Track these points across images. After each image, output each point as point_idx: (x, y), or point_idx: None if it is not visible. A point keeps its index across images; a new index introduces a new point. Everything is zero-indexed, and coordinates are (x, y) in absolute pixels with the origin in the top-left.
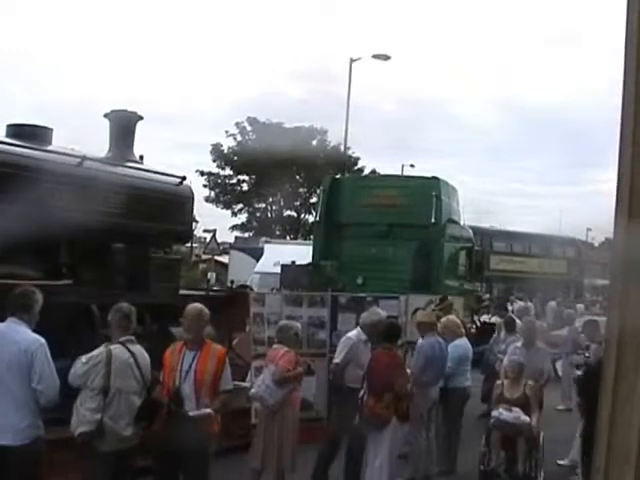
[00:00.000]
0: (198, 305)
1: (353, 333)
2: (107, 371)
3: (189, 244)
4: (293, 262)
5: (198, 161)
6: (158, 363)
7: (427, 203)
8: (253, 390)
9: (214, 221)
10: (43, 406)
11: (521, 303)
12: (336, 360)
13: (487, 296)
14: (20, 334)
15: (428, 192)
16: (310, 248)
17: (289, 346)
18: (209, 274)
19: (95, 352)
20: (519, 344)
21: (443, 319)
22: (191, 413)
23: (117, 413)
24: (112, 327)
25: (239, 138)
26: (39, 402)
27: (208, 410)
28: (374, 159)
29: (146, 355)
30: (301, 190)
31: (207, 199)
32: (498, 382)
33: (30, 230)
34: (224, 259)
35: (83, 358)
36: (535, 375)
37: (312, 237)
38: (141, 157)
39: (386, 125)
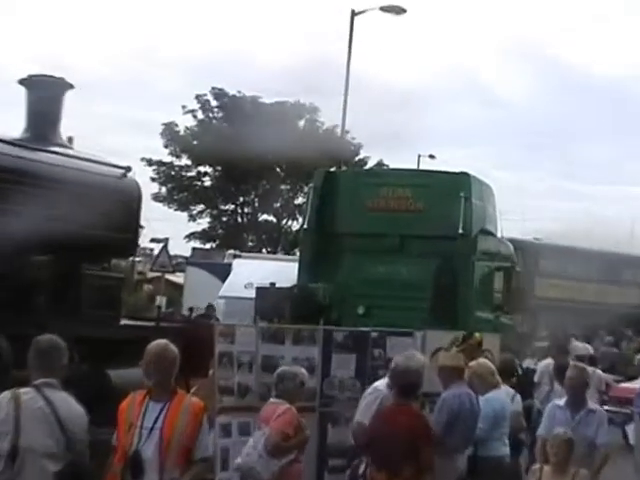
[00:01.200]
0: (163, 342)
1: (381, 383)
2: (15, 426)
3: (132, 258)
4: (272, 284)
5: (145, 146)
6: (93, 417)
7: (453, 207)
8: (239, 460)
9: (165, 227)
10: None
11: (578, 344)
12: (358, 418)
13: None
14: None
15: (454, 192)
16: (295, 265)
17: (291, 401)
18: (158, 298)
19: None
20: (561, 402)
21: (472, 363)
22: None
23: None
24: (30, 367)
25: (200, 116)
26: None
27: None
28: (381, 147)
29: (73, 405)
30: (283, 187)
31: (156, 197)
32: (534, 467)
33: None
34: (178, 278)
35: None
36: (585, 453)
37: (298, 251)
38: (70, 139)
39: (398, 101)
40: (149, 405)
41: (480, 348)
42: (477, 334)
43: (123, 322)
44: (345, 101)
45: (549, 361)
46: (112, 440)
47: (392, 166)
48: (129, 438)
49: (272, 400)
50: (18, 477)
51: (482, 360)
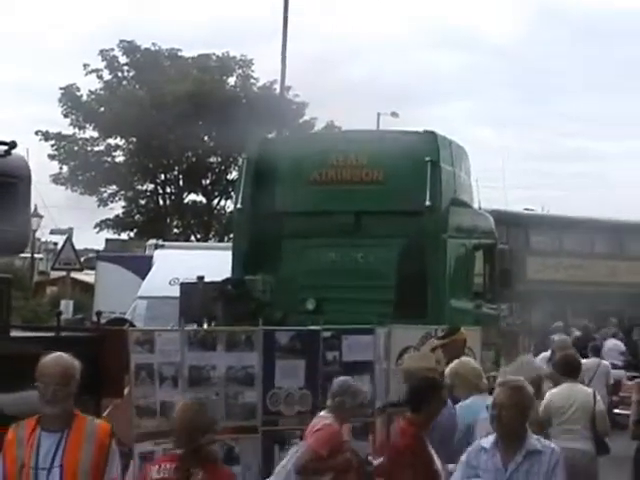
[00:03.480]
0: (62, 356)
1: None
2: None
3: (27, 254)
4: (200, 278)
5: (38, 116)
6: None
7: (417, 175)
8: None
9: (69, 216)
10: None
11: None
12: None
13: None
14: None
15: (419, 157)
16: (228, 254)
17: (342, 419)
18: (63, 302)
19: None
20: (486, 443)
21: (454, 364)
22: None
23: None
24: None
25: (107, 76)
26: None
27: None
28: (331, 105)
29: None
30: (212, 160)
31: (56, 179)
32: None
33: None
34: (88, 277)
35: None
36: None
37: (231, 237)
38: None
39: (351, 49)
40: (42, 437)
41: (464, 346)
42: (462, 329)
43: (13, 334)
44: (284, 51)
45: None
46: None
47: (345, 128)
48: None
49: (321, 413)
50: None
51: (465, 359)
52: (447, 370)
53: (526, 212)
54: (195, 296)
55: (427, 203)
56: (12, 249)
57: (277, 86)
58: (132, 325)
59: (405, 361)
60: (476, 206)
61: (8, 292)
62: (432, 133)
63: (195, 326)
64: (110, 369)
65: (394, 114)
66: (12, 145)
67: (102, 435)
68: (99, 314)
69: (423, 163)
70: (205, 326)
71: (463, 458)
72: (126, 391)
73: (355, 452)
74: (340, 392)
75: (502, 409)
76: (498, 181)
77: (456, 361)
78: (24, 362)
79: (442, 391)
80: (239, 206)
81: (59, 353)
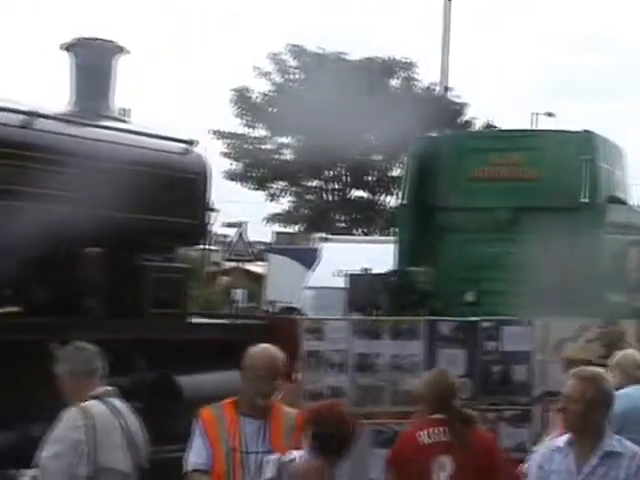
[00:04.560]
0: (271, 348)
1: None
2: (94, 446)
3: (203, 246)
4: (366, 270)
5: (213, 116)
6: (157, 431)
7: (574, 173)
8: None
9: (241, 210)
10: None
11: None
12: None
13: None
14: None
15: (576, 155)
16: (391, 247)
17: None
18: (235, 292)
19: (67, 419)
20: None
21: (619, 356)
22: None
23: None
24: (73, 378)
25: (277, 79)
26: None
27: None
28: (490, 106)
29: (134, 416)
30: (376, 158)
31: (229, 175)
32: None
33: None
34: (258, 268)
35: (56, 433)
36: None
37: (395, 231)
38: (125, 111)
39: (508, 51)
40: (245, 423)
41: (621, 339)
42: (619, 322)
43: (192, 320)
44: (445, 54)
45: None
46: (186, 462)
47: (503, 127)
48: (234, 467)
49: None
50: None
51: (631, 351)
52: (610, 361)
53: None
54: (361, 287)
55: (583, 200)
56: (191, 241)
57: (438, 87)
58: (301, 314)
59: (566, 351)
60: (632, 203)
61: (187, 281)
62: (589, 132)
63: (361, 315)
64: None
65: (550, 114)
66: (192, 143)
67: (300, 424)
68: (272, 303)
69: (580, 161)
70: (371, 315)
71: (536, 459)
72: (297, 376)
73: None
74: None
75: (569, 402)
76: None
77: (620, 352)
78: (203, 348)
79: None
80: (403, 201)
81: (267, 345)
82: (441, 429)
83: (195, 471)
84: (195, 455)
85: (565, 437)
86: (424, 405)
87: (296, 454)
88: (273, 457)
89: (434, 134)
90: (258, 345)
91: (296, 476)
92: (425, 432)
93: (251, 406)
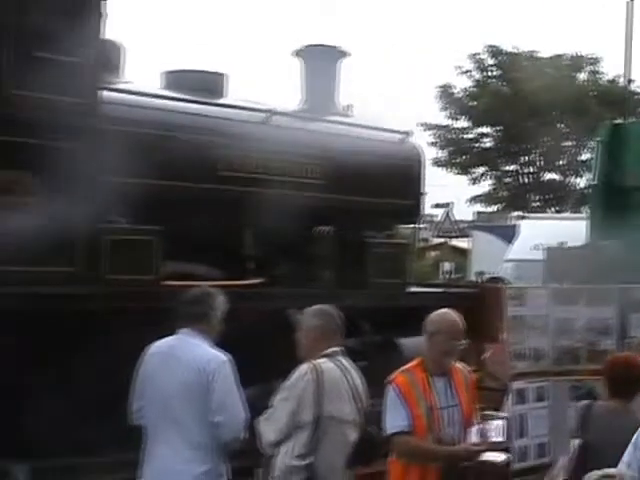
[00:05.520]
0: (452, 313)
1: None
2: (319, 396)
3: (415, 225)
4: (562, 244)
5: (419, 110)
6: (378, 386)
7: None
8: None
9: (446, 192)
10: (225, 445)
11: None
12: None
13: None
14: (195, 350)
15: None
16: (583, 224)
17: None
18: (444, 264)
19: (300, 372)
20: None
21: None
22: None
23: (329, 453)
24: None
25: (477, 76)
26: (220, 440)
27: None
28: None
29: (358, 372)
30: (567, 144)
31: (436, 162)
32: None
33: (204, 215)
34: (462, 243)
35: (288, 382)
36: None
37: (585, 209)
38: (348, 107)
39: None
40: (434, 381)
41: None
42: None
43: (410, 289)
44: (629, 48)
45: None
46: (386, 426)
47: None
48: (433, 422)
49: None
50: (320, 444)
51: None
52: None
53: None
54: (559, 259)
55: None
56: (407, 220)
57: (622, 79)
58: (505, 283)
59: None
60: None
61: (405, 255)
62: None
63: (558, 284)
64: (489, 319)
65: None
66: (408, 134)
67: (472, 379)
68: (480, 274)
69: None
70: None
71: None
72: (502, 337)
73: None
74: None
75: None
76: None
77: None
78: (418, 313)
79: None
80: (594, 182)
81: (447, 310)
82: None
83: (397, 433)
84: (395, 418)
85: None
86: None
87: (494, 423)
88: (475, 427)
89: (620, 122)
90: (440, 310)
91: (600, 416)
92: None
93: (438, 365)
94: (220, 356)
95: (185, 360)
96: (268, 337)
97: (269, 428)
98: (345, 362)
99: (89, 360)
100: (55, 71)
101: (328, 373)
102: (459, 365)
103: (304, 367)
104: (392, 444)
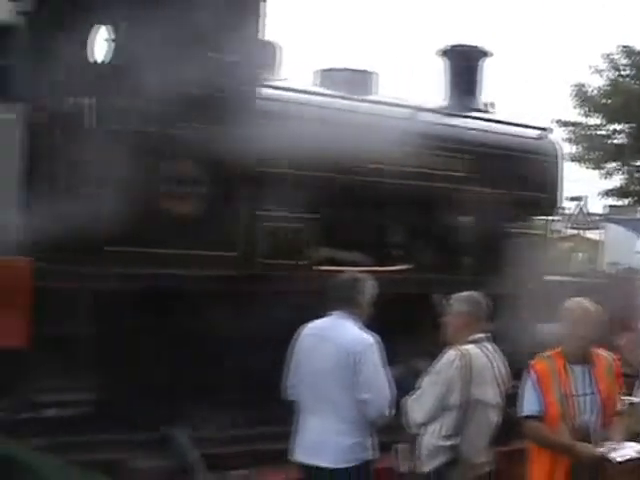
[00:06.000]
0: (586, 302)
1: None
2: (467, 382)
3: (551, 217)
4: None
5: (552, 107)
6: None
7: None
8: None
9: (579, 186)
10: (371, 421)
11: None
12: None
13: None
14: (345, 332)
15: None
16: None
17: None
18: (578, 255)
19: (448, 358)
20: None
21: None
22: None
23: (473, 435)
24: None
25: (610, 75)
26: (367, 415)
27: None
28: None
29: (502, 357)
30: None
31: (570, 157)
32: None
33: (355, 205)
34: (594, 235)
35: (437, 367)
36: None
37: None
38: (490, 104)
39: None
40: (573, 369)
41: None
42: None
43: (546, 278)
44: None
45: None
46: (521, 409)
47: None
48: (568, 409)
49: None
50: (466, 427)
51: None
52: None
53: None
54: None
55: None
56: (544, 212)
57: None
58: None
59: None
60: None
61: (541, 245)
62: None
63: None
64: (623, 309)
65: None
66: (547, 130)
67: (617, 367)
68: (614, 265)
69: None
70: None
71: None
72: (637, 325)
73: None
74: None
75: None
76: None
77: None
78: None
79: None
80: None
81: (581, 299)
82: None
83: (529, 417)
84: (529, 403)
85: None
86: None
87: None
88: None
89: None
90: (576, 298)
91: None
92: None
93: (576, 353)
94: (368, 338)
95: (335, 341)
96: (413, 321)
97: (417, 409)
98: (490, 347)
99: (247, 338)
100: (219, 70)
101: (476, 360)
102: (604, 353)
103: (452, 353)
104: (524, 427)
